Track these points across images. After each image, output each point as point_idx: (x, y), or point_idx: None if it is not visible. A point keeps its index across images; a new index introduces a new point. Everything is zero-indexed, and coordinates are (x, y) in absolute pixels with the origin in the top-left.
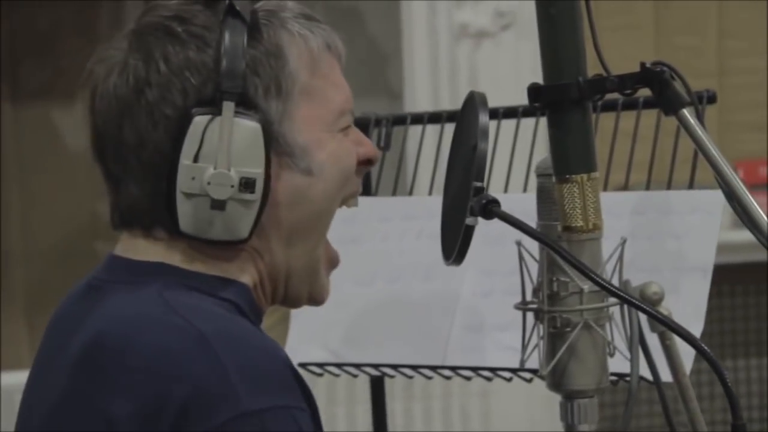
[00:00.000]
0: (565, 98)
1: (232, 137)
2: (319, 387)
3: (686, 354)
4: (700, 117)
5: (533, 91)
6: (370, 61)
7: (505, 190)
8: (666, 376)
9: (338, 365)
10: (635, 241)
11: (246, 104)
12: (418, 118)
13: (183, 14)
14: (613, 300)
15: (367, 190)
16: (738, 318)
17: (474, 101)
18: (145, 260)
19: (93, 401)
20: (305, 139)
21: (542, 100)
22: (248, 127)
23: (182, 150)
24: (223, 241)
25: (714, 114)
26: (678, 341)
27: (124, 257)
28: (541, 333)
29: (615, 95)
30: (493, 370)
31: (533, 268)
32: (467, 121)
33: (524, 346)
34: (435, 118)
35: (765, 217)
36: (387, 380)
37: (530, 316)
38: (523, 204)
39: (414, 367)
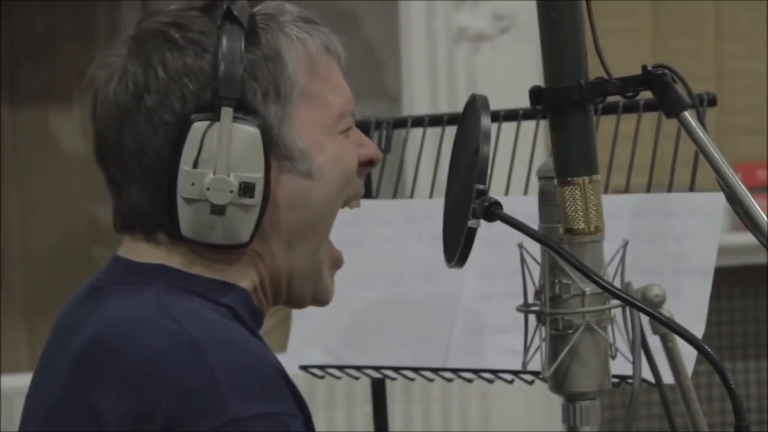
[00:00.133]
0: (567, 101)
1: (231, 142)
2: (318, 390)
3: (687, 356)
4: (701, 119)
5: (535, 93)
6: (368, 64)
7: (506, 193)
8: (667, 378)
9: (339, 367)
10: (636, 243)
11: (245, 109)
12: (419, 121)
13: (181, 20)
14: (615, 302)
15: (368, 193)
16: (736, 321)
17: (476, 104)
18: (146, 262)
19: (87, 403)
20: (305, 143)
21: (544, 102)
22: (247, 132)
23: (182, 156)
24: (224, 245)
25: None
26: (679, 343)
27: (127, 259)
28: (543, 335)
29: (615, 98)
30: (494, 372)
31: (534, 270)
32: (469, 123)
33: (526, 349)
34: (435, 120)
35: (767, 219)
36: (386, 383)
37: (532, 318)
38: (524, 207)
39: (415, 370)
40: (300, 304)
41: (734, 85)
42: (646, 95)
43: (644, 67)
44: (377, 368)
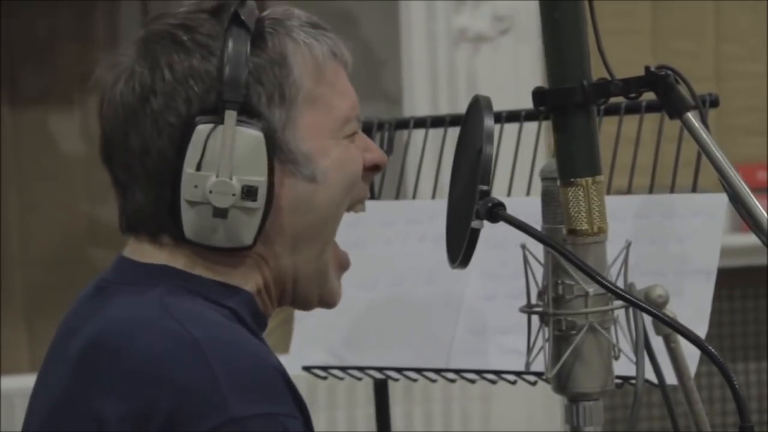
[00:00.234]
0: (570, 102)
1: (234, 145)
2: (319, 390)
3: (690, 357)
4: (704, 120)
5: (538, 94)
6: (368, 65)
7: (508, 194)
8: (671, 379)
9: (342, 368)
10: (639, 244)
11: (249, 113)
12: (421, 122)
13: (189, 23)
14: (618, 303)
15: (370, 194)
16: (737, 322)
17: (479, 105)
18: (150, 263)
19: (87, 402)
20: (309, 147)
21: (547, 103)
22: (250, 135)
23: (185, 158)
24: (227, 248)
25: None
26: (683, 344)
27: (131, 259)
28: (546, 336)
29: (616, 99)
30: (497, 373)
31: (537, 271)
32: (472, 124)
33: (529, 349)
34: (438, 122)
35: None
36: (388, 384)
37: (535, 319)
38: (526, 207)
39: (418, 370)
40: (306, 306)
41: (734, 87)
42: (647, 96)
43: (647, 68)
44: (380, 369)
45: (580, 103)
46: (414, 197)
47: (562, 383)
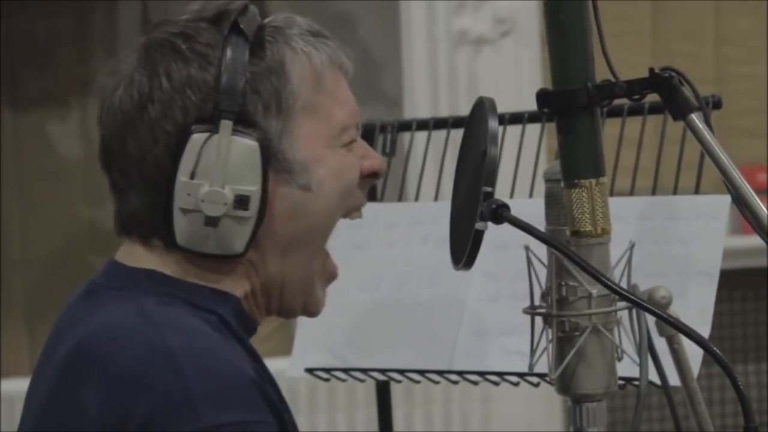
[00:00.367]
0: (574, 104)
1: (229, 155)
2: (320, 392)
3: (693, 358)
4: (708, 122)
5: (542, 96)
6: (368, 68)
7: (511, 196)
8: (674, 380)
9: (345, 370)
10: (642, 245)
11: (245, 122)
12: (424, 124)
13: (188, 31)
14: (621, 304)
15: (372, 196)
16: (737, 323)
17: (483, 107)
18: (140, 267)
19: (71, 405)
20: (305, 156)
21: (551, 105)
22: (245, 145)
23: (180, 166)
24: (218, 255)
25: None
26: (686, 345)
27: (121, 263)
28: (550, 337)
29: (619, 101)
30: (500, 374)
31: (540, 272)
32: (476, 126)
33: (532, 351)
34: (440, 124)
35: None
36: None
37: (538, 320)
38: (529, 209)
39: (421, 372)
40: (290, 315)
41: (734, 89)
42: (648, 98)
43: (651, 70)
44: (382, 371)
45: (584, 104)
46: (416, 199)
47: (565, 384)
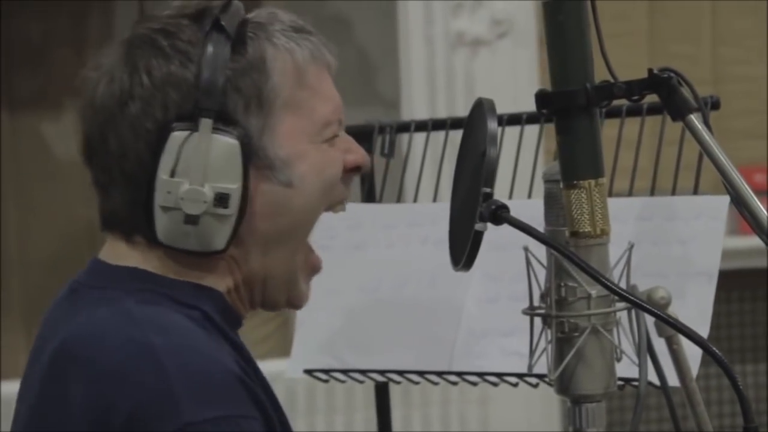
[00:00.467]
0: (573, 104)
1: (209, 153)
2: (318, 394)
3: (692, 358)
4: (707, 122)
5: (541, 97)
6: (365, 69)
7: (510, 197)
8: (673, 380)
9: (344, 371)
10: (640, 246)
11: (225, 120)
12: (422, 126)
13: (170, 28)
14: (620, 305)
15: (371, 198)
16: (734, 324)
17: (482, 108)
18: (122, 265)
19: (58, 406)
20: (286, 152)
21: (550, 106)
22: (225, 143)
23: (160, 164)
24: (199, 252)
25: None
26: (685, 346)
27: (104, 261)
28: (549, 338)
29: (617, 102)
30: (499, 375)
31: (539, 273)
32: (475, 127)
33: (532, 352)
34: (439, 125)
35: None
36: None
37: (538, 321)
38: (528, 210)
39: (420, 373)
40: (274, 308)
41: (731, 89)
42: (646, 99)
43: (650, 71)
44: (382, 372)
45: (584, 105)
46: (415, 200)
47: (564, 385)
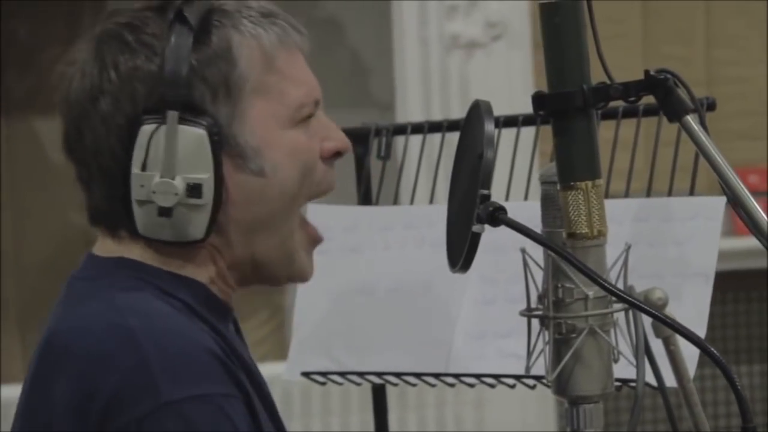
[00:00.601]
0: (570, 106)
1: (177, 144)
2: (314, 397)
3: (690, 359)
4: (703, 123)
5: (537, 99)
6: (360, 72)
7: (506, 198)
8: (670, 381)
9: (341, 374)
10: (637, 247)
11: (193, 110)
12: (419, 128)
13: (135, 21)
14: (618, 306)
15: (368, 200)
16: (728, 325)
17: (479, 110)
18: (108, 256)
19: (42, 398)
20: (258, 140)
21: (547, 107)
22: (193, 133)
23: (132, 158)
24: (179, 242)
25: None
26: (682, 347)
27: (95, 254)
28: (546, 339)
29: (612, 104)
30: (496, 376)
31: (536, 274)
32: (472, 129)
33: (529, 353)
34: (435, 127)
35: None
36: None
37: (535, 322)
38: (525, 212)
39: (417, 375)
40: (275, 284)
41: (725, 91)
42: (642, 100)
43: (647, 72)
44: (379, 374)
45: (580, 106)
46: (411, 203)
47: (562, 386)
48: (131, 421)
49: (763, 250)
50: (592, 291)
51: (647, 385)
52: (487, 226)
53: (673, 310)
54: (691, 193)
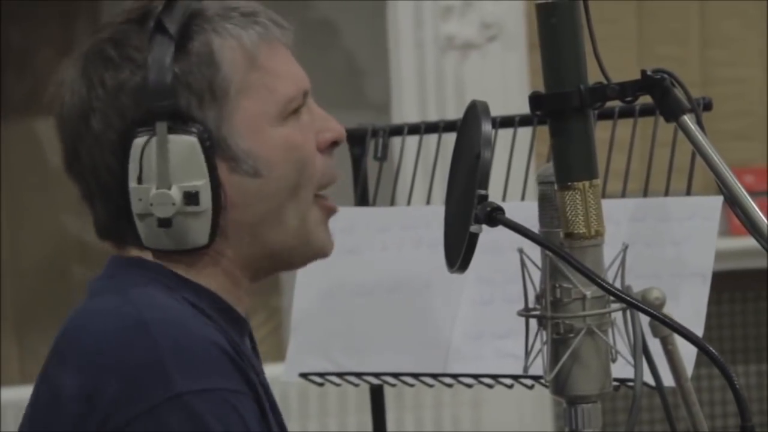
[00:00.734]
0: (567, 106)
1: (169, 155)
2: (311, 397)
3: (687, 358)
4: (700, 123)
5: (534, 99)
6: (355, 74)
7: (503, 199)
8: (668, 381)
9: (339, 375)
10: (634, 247)
11: (181, 119)
12: (415, 129)
13: (117, 36)
14: (615, 305)
15: (365, 201)
16: (724, 325)
17: (476, 110)
18: (127, 256)
19: (50, 384)
20: (249, 142)
21: (544, 108)
22: (184, 141)
23: (128, 173)
24: (185, 250)
25: None
26: (680, 346)
27: (115, 255)
28: (544, 339)
29: (608, 104)
30: (494, 377)
31: (534, 275)
32: (469, 130)
33: (527, 353)
34: (432, 128)
35: (767, 222)
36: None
37: (533, 322)
38: (522, 212)
39: (415, 376)
40: (296, 268)
41: (720, 92)
42: (639, 101)
43: (643, 72)
44: (377, 375)
45: (577, 107)
46: (408, 203)
47: (560, 386)
48: (142, 411)
49: (758, 249)
50: (590, 291)
51: (645, 384)
52: (484, 227)
53: (670, 310)
54: (688, 193)
